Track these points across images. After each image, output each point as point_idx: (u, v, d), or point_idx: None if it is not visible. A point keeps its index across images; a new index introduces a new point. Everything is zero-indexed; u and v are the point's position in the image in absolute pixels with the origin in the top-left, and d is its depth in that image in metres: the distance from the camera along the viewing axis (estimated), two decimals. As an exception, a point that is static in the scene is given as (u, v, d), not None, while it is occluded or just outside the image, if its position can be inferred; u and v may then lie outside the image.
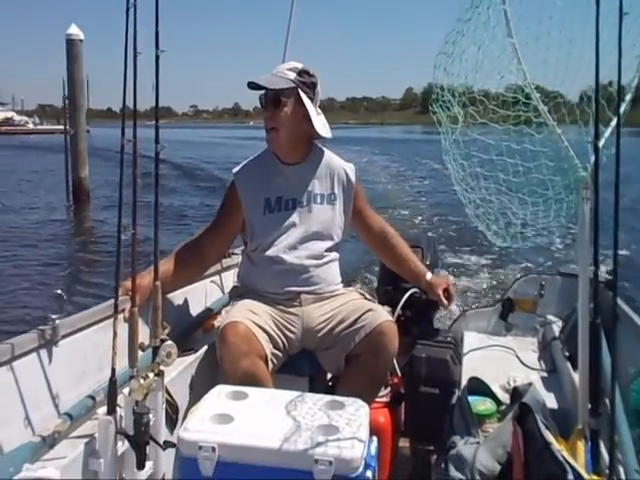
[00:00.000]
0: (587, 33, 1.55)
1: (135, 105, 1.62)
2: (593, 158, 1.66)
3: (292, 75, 2.22)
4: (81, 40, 14.07)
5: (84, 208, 15.00)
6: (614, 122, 1.65)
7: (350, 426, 1.50)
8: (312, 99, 2.24)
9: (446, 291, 2.44)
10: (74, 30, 14.12)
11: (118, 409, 1.53)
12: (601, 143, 1.65)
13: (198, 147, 37.94)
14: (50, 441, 1.50)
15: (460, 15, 2.04)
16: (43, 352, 1.69)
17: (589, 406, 1.67)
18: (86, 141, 15.33)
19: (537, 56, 1.87)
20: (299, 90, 2.21)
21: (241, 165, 2.36)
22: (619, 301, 2.54)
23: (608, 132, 1.72)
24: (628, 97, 1.84)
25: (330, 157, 2.38)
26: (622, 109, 1.70)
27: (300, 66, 2.26)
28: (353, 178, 2.37)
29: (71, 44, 14.10)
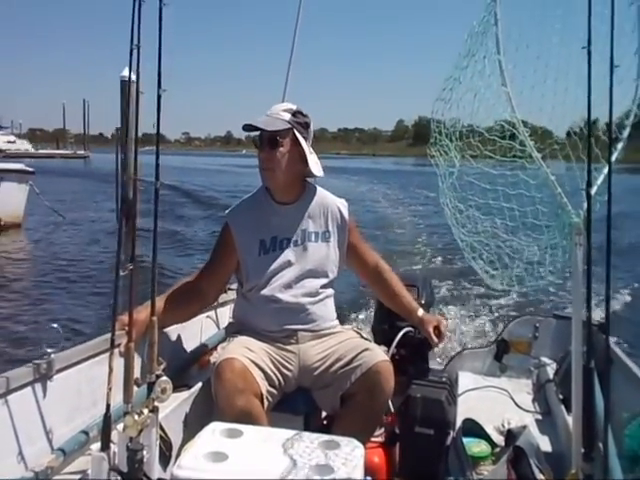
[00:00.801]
0: (581, 81, 1.59)
1: (137, 140, 1.66)
2: (585, 205, 1.69)
3: (287, 116, 2.26)
4: (133, 81, 15.24)
5: (132, 224, 15.01)
6: (606, 170, 1.68)
7: (345, 466, 1.48)
8: (306, 138, 2.28)
9: (437, 329, 2.44)
10: (126, 72, 13.86)
11: (112, 445, 1.52)
12: (593, 190, 1.68)
13: (202, 174, 38.19)
14: (43, 476, 1.49)
15: (457, 62, 2.10)
16: (37, 386, 1.69)
17: (582, 450, 1.67)
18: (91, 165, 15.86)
19: (533, 104, 1.92)
20: (294, 130, 2.25)
21: (234, 206, 2.38)
22: (612, 345, 2.55)
23: (600, 179, 1.76)
24: (620, 145, 1.89)
25: (323, 194, 2.41)
26: (613, 157, 1.75)
27: (294, 107, 2.30)
28: (346, 214, 2.40)
29: (124, 84, 13.86)
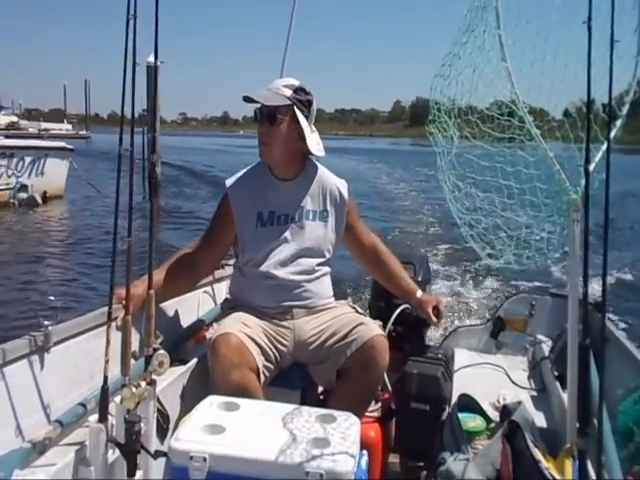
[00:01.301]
0: (581, 58, 1.58)
1: (133, 116, 1.64)
2: (584, 181, 1.68)
3: (288, 92, 2.22)
4: (157, 66, 17.00)
5: (155, 197, 17.29)
6: (604, 146, 1.68)
7: (342, 440, 1.50)
8: (307, 117, 2.25)
9: (435, 309, 2.45)
10: (151, 59, 15.61)
11: (109, 417, 1.53)
12: (592, 167, 1.67)
13: (203, 154, 38.29)
14: (40, 448, 1.49)
15: (457, 38, 2.08)
16: (35, 358, 1.68)
17: (577, 426, 1.69)
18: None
19: (532, 80, 1.91)
20: (295, 108, 2.21)
21: (234, 178, 2.36)
22: (608, 323, 2.57)
23: (599, 156, 1.75)
24: (619, 123, 1.88)
25: (323, 174, 2.39)
26: (612, 134, 1.73)
27: (297, 83, 2.26)
28: (346, 195, 2.38)
29: (150, 70, 15.08)
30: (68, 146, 15.91)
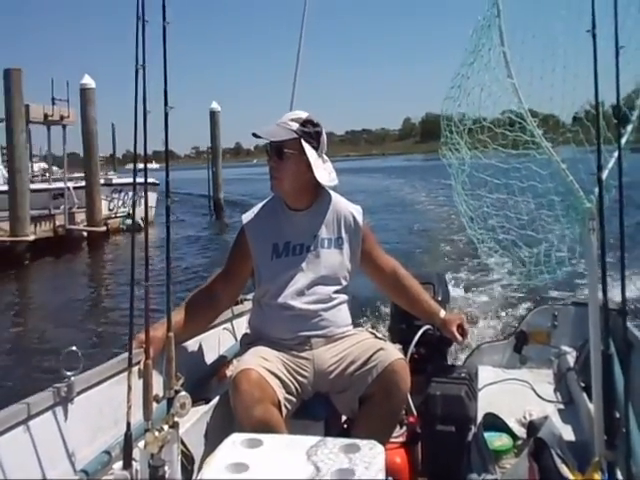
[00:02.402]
0: (590, 67, 1.58)
1: (146, 163, 1.68)
2: (597, 190, 1.68)
3: (295, 126, 2.25)
4: (219, 111, 22.23)
5: (220, 216, 23.28)
6: (616, 153, 1.67)
7: (367, 469, 1.49)
8: (316, 148, 2.27)
9: (460, 327, 2.45)
10: (215, 105, 22.66)
11: (134, 463, 1.54)
12: (604, 175, 1.67)
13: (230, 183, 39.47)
14: None
15: (464, 59, 2.10)
16: (59, 410, 1.71)
17: (605, 437, 1.66)
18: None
19: (544, 93, 1.91)
20: (302, 140, 2.24)
21: (250, 212, 2.40)
22: (632, 328, 2.53)
23: (611, 163, 1.75)
24: (629, 128, 1.88)
25: (337, 201, 2.41)
26: (623, 140, 1.73)
27: (304, 116, 2.29)
28: (360, 220, 2.40)
29: (213, 115, 22.37)
30: (156, 181, 17.54)
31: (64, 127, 16.37)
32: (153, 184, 17.41)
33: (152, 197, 17.24)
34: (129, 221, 18.37)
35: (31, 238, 13.70)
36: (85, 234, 16.40)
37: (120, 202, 18.73)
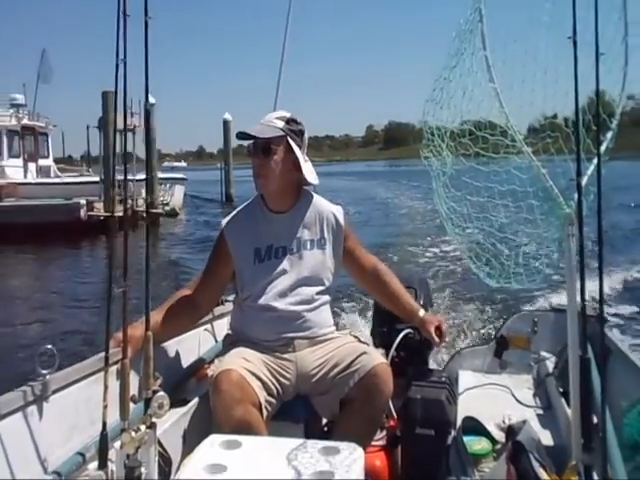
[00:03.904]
0: (570, 73, 1.60)
1: (125, 154, 1.66)
2: (577, 195, 1.69)
3: (281, 124, 2.26)
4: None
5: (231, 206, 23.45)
6: (596, 160, 1.69)
7: (346, 472, 1.48)
8: (300, 146, 2.28)
9: (438, 329, 2.45)
10: (227, 116, 26.92)
11: (110, 464, 1.52)
12: (584, 181, 1.69)
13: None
14: None
15: (447, 62, 2.11)
16: (32, 409, 1.68)
17: (582, 441, 1.67)
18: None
19: (524, 98, 1.93)
20: (288, 138, 2.25)
21: (230, 216, 2.38)
22: (610, 335, 2.56)
23: (590, 169, 1.76)
24: (609, 135, 1.90)
25: (318, 202, 2.41)
26: (603, 147, 1.75)
27: (288, 115, 2.30)
28: (342, 220, 2.40)
29: (226, 125, 26.73)
30: (184, 177, 24.97)
31: (134, 133, 20.07)
32: (183, 179, 24.77)
33: (180, 189, 24.17)
34: (168, 208, 22.06)
35: (119, 214, 16.12)
36: (144, 215, 19.25)
37: (161, 193, 22.53)
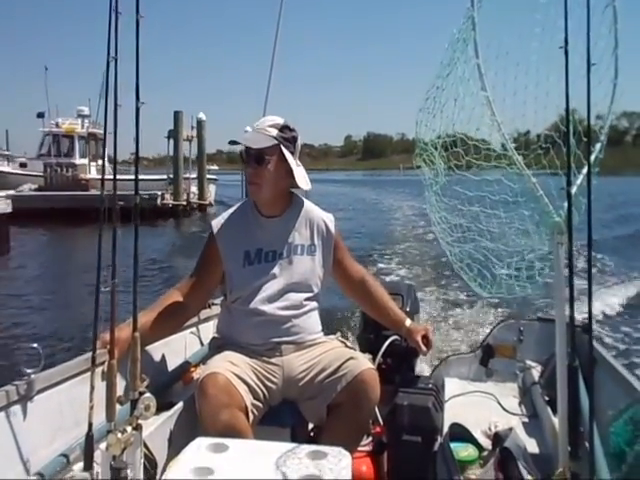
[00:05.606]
0: (562, 85, 1.61)
1: (115, 155, 1.65)
2: (566, 204, 1.70)
3: (274, 132, 2.25)
4: (204, 120, 27.10)
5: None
6: (585, 170, 1.70)
7: (334, 476, 1.48)
8: (293, 153, 2.27)
9: (425, 338, 2.45)
10: (202, 115, 27.05)
11: (95, 465, 1.50)
12: (574, 190, 1.70)
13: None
14: None
15: (439, 71, 2.12)
16: (16, 409, 1.65)
17: (569, 449, 1.67)
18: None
19: (516, 110, 1.94)
20: (281, 146, 2.24)
21: (220, 218, 2.37)
22: (597, 345, 2.57)
23: (580, 179, 1.77)
24: (598, 146, 1.91)
25: (310, 208, 2.40)
26: (592, 157, 1.76)
27: (281, 121, 2.29)
28: (332, 228, 2.40)
29: (200, 124, 26.81)
30: (216, 177, 29.60)
31: (190, 142, 26.15)
32: (215, 179, 29.13)
33: (213, 188, 28.46)
34: (206, 202, 26.76)
35: (184, 203, 25.44)
36: (195, 205, 26.57)
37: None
